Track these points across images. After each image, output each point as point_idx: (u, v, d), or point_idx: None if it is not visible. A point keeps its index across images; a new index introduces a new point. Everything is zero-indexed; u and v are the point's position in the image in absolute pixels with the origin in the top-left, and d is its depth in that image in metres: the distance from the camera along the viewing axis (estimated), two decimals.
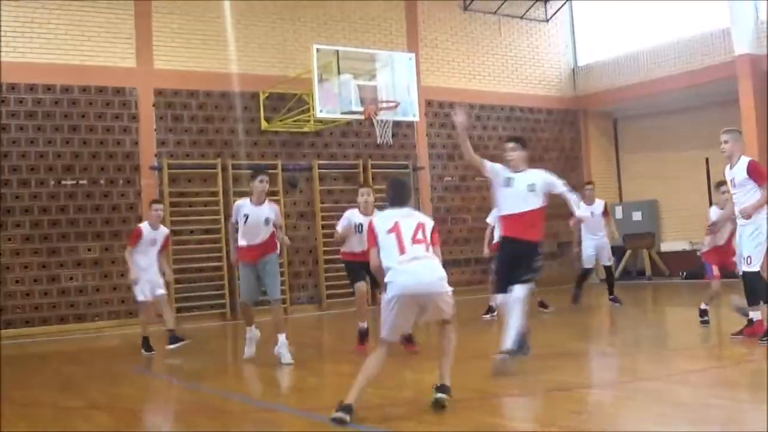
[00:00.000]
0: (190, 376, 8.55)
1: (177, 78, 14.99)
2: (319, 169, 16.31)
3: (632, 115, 20.92)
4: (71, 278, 13.68)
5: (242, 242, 8.55)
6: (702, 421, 5.20)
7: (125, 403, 7.17)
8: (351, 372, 7.28)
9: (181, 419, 6.48)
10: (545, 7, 20.51)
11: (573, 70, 21.21)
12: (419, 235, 5.66)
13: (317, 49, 14.44)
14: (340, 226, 9.11)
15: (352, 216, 9.01)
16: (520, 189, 7.26)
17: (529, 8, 20.01)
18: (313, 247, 16.11)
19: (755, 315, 8.09)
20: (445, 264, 5.80)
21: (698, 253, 10.85)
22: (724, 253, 9.36)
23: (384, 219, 5.86)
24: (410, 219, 5.78)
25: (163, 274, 10.30)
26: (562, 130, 20.52)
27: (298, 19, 16.36)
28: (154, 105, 14.73)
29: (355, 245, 8.87)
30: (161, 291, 10.10)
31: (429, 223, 5.80)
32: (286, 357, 8.29)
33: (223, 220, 14.80)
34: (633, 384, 6.77)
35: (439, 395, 5.51)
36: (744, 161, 8.02)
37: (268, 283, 8.58)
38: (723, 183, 8.79)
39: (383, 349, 5.60)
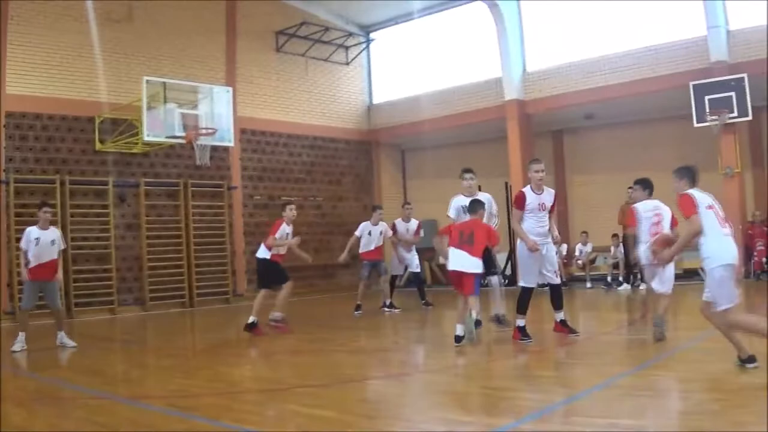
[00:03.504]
0: (32, 368, 10.04)
1: (25, 102, 17.32)
2: (145, 186, 19.18)
3: (417, 147, 24.86)
4: None
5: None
6: (466, 407, 6.12)
7: None
8: (171, 365, 9.45)
9: (23, 405, 7.13)
10: (346, 52, 24.51)
11: (368, 107, 25.27)
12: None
13: (147, 81, 16.74)
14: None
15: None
16: None
17: (333, 52, 23.99)
18: (138, 255, 18.91)
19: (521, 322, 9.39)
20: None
21: None
22: None
23: (703, 196, 6.68)
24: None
25: None
26: (357, 158, 24.62)
27: (131, 54, 19.09)
28: (4, 126, 17.00)
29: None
30: None
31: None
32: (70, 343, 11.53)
33: (60, 229, 17.42)
34: (415, 376, 7.90)
35: None
36: (550, 191, 9.63)
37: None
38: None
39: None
